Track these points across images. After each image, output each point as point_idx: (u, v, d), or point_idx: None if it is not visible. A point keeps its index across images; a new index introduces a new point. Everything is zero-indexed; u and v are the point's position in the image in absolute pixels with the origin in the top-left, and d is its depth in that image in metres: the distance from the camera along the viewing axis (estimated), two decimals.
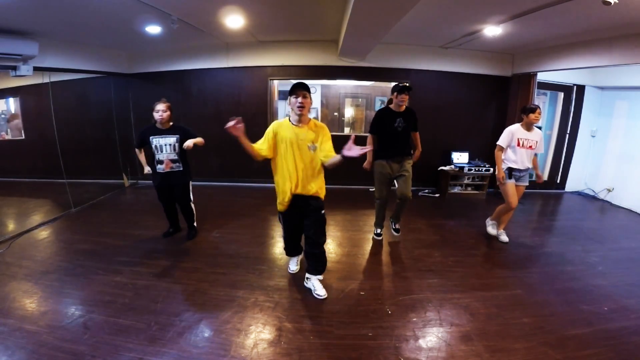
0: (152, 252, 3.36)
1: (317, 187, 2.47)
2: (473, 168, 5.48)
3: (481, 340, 2.14)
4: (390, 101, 3.40)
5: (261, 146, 2.42)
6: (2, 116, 6.48)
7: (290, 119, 2.44)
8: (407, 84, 3.24)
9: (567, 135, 5.87)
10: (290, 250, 2.86)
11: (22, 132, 6.23)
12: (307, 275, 2.69)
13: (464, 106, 5.72)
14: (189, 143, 3.11)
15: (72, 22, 3.66)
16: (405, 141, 3.37)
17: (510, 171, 3.44)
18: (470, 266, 3.15)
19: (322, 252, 2.56)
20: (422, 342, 2.13)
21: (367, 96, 8.01)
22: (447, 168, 5.60)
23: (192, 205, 3.59)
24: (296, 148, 2.38)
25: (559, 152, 5.91)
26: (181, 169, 3.32)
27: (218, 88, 5.75)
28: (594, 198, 5.69)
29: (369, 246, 3.61)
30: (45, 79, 4.82)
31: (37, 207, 4.91)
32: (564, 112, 5.81)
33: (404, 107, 3.29)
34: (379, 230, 3.68)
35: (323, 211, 2.52)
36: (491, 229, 3.75)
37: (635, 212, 4.96)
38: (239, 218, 4.31)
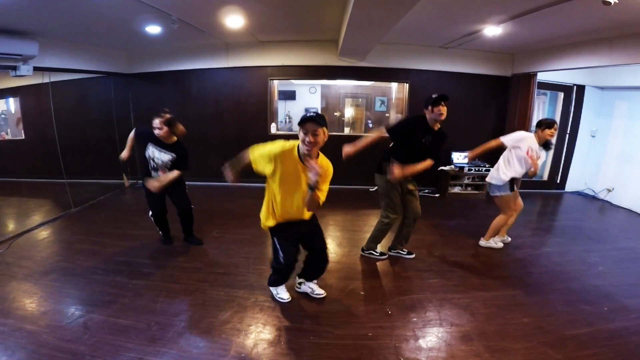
0: (152, 252, 3.36)
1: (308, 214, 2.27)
2: (473, 168, 5.48)
3: (481, 340, 2.14)
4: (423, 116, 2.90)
5: (257, 167, 2.12)
6: (2, 116, 6.48)
7: (299, 149, 2.04)
8: (441, 94, 2.75)
9: (567, 135, 5.87)
10: (287, 276, 2.51)
11: (23, 132, 6.23)
12: (301, 280, 2.64)
13: (464, 106, 5.72)
14: (155, 184, 2.99)
15: (72, 22, 3.66)
16: (420, 161, 2.86)
17: (512, 181, 3.25)
18: (470, 266, 3.15)
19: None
20: (422, 342, 2.13)
21: (367, 96, 8.02)
22: (447, 168, 5.60)
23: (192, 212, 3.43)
24: (292, 184, 2.09)
25: (559, 152, 5.91)
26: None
27: (218, 88, 5.75)
28: (594, 198, 5.69)
29: None
30: (45, 79, 4.82)
31: (37, 207, 4.91)
32: (564, 112, 5.80)
33: (439, 125, 2.84)
34: (379, 249, 3.29)
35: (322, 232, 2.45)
36: (494, 244, 3.51)
37: (635, 212, 4.96)
38: (239, 218, 4.31)
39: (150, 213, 3.44)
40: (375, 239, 3.22)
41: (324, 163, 2.12)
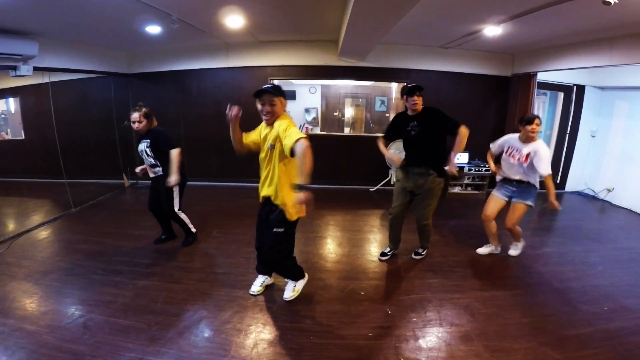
0: (152, 252, 3.36)
1: (280, 195, 2.19)
2: (473, 168, 5.48)
3: (481, 340, 2.14)
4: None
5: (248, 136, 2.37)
6: (2, 116, 6.48)
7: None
8: (415, 85, 2.82)
9: (567, 135, 5.86)
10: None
11: (23, 132, 6.23)
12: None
13: (464, 106, 5.71)
14: (174, 178, 3.03)
15: (72, 22, 3.66)
16: (423, 149, 2.90)
17: (501, 182, 3.22)
18: (470, 266, 3.15)
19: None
20: (422, 342, 2.13)
21: (367, 96, 8.01)
22: (447, 168, 5.58)
23: (181, 214, 3.35)
24: (262, 149, 2.25)
25: (559, 152, 5.91)
26: (161, 173, 3.17)
27: (218, 88, 5.75)
28: (594, 198, 5.69)
29: (369, 246, 3.61)
30: (45, 79, 4.82)
31: (37, 207, 4.91)
32: (564, 112, 5.80)
33: (419, 109, 2.87)
34: (387, 250, 3.29)
35: (279, 230, 2.24)
36: (512, 251, 3.37)
37: (635, 212, 4.96)
38: (239, 218, 4.31)
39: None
40: (389, 235, 3.32)
41: (278, 123, 2.12)
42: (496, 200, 3.22)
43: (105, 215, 4.48)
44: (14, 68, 3.79)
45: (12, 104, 6.36)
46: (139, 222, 4.14)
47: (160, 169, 3.18)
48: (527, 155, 2.93)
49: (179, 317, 2.33)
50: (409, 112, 2.93)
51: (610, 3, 2.50)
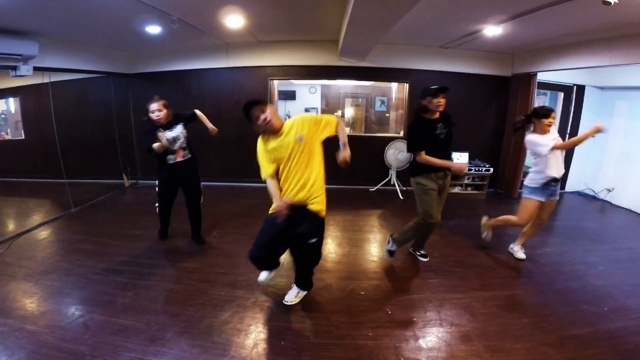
0: (152, 252, 3.36)
1: (317, 199, 2.23)
2: (473, 168, 5.48)
3: (481, 340, 2.14)
4: (418, 111, 2.85)
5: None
6: (2, 116, 6.48)
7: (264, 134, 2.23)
8: (442, 86, 2.72)
9: (567, 136, 5.86)
10: None
11: (23, 132, 6.24)
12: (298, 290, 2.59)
13: (464, 106, 5.71)
14: (213, 127, 3.31)
15: (72, 22, 3.66)
16: (447, 150, 2.90)
17: (548, 183, 2.99)
18: (470, 266, 3.15)
19: None
20: (422, 342, 2.13)
21: (367, 96, 8.02)
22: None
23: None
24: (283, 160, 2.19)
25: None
26: (190, 155, 3.28)
27: (218, 88, 5.75)
28: (594, 198, 5.69)
29: (369, 246, 3.61)
30: (45, 79, 4.82)
31: (37, 207, 4.91)
32: (564, 112, 5.80)
33: (438, 113, 2.78)
34: (394, 249, 3.16)
35: (316, 239, 2.25)
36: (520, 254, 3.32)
37: (635, 212, 4.96)
38: (239, 218, 4.31)
39: (157, 204, 3.44)
40: (422, 239, 3.25)
41: (293, 120, 2.22)
42: (537, 204, 3.03)
43: (105, 215, 4.48)
44: (14, 68, 3.79)
45: (12, 104, 6.35)
46: (139, 222, 4.14)
47: (189, 151, 3.28)
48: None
49: (179, 317, 2.33)
50: (428, 116, 2.79)
51: (610, 3, 2.50)
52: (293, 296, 2.52)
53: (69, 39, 4.45)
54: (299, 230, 2.15)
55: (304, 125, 2.17)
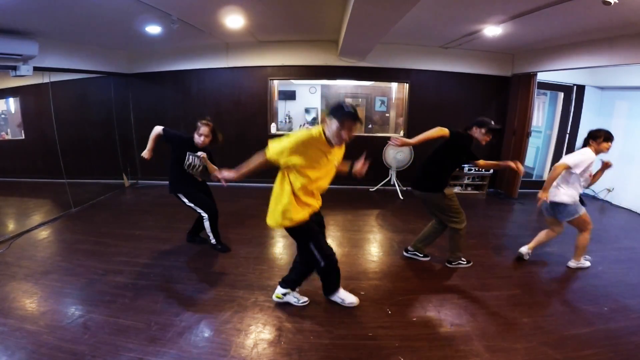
0: (152, 252, 3.36)
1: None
2: (473, 168, 5.48)
3: (481, 340, 2.14)
4: (466, 130, 2.92)
5: (283, 159, 2.05)
6: (2, 116, 6.48)
7: (326, 135, 2.03)
8: (499, 127, 2.92)
9: (567, 135, 5.86)
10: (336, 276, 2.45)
11: (23, 132, 6.23)
12: (286, 290, 2.50)
13: (464, 106, 5.72)
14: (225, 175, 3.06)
15: (72, 22, 3.66)
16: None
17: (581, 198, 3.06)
18: (470, 266, 3.15)
19: None
20: (422, 342, 2.13)
21: (367, 96, 8.01)
22: None
23: None
24: (322, 167, 2.14)
25: (559, 152, 5.90)
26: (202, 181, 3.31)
27: (218, 88, 5.75)
28: (594, 198, 5.69)
29: (369, 246, 3.62)
30: (45, 79, 4.82)
31: (37, 207, 4.91)
32: (564, 112, 5.80)
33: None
34: (460, 257, 3.19)
35: None
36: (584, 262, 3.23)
37: (635, 212, 4.96)
38: (239, 218, 4.31)
39: (205, 217, 3.22)
40: (458, 248, 3.13)
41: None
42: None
43: (105, 215, 4.48)
44: (14, 68, 3.79)
45: (12, 104, 6.35)
46: (139, 222, 4.14)
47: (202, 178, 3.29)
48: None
49: (179, 317, 2.33)
50: (475, 141, 2.87)
51: (610, 3, 2.50)
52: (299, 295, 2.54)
53: (69, 39, 4.45)
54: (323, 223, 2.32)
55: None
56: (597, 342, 2.13)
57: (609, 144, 2.87)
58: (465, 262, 3.18)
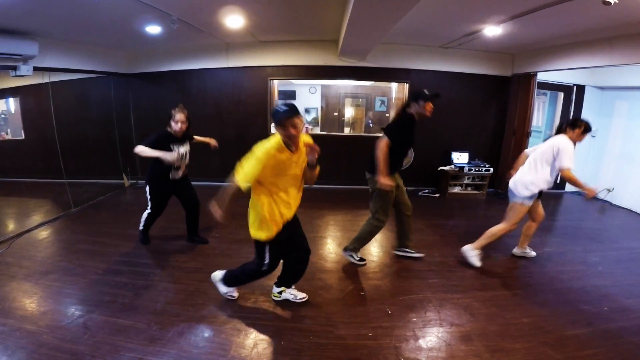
0: (152, 252, 3.36)
1: None
2: (473, 168, 5.48)
3: (481, 340, 2.14)
4: (404, 107, 2.91)
5: (251, 179, 2.02)
6: (2, 116, 6.48)
7: (285, 142, 2.01)
8: (436, 93, 2.82)
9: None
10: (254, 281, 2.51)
11: (23, 132, 6.23)
12: (281, 289, 2.53)
13: (464, 106, 5.72)
14: (215, 143, 3.41)
15: (72, 22, 3.66)
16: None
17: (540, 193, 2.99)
18: (470, 266, 3.15)
19: None
20: (422, 342, 2.13)
21: (367, 96, 8.02)
22: (447, 168, 5.60)
23: None
24: (287, 175, 2.09)
25: None
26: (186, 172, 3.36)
27: (218, 88, 5.75)
28: (594, 198, 5.68)
29: (369, 246, 3.61)
30: (45, 79, 4.82)
31: (37, 207, 4.90)
32: (564, 112, 5.80)
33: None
34: (359, 256, 3.18)
35: None
36: (476, 260, 3.16)
37: (635, 212, 4.96)
38: (239, 218, 4.30)
39: (149, 211, 3.41)
40: (362, 240, 3.11)
41: (307, 140, 2.10)
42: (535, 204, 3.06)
43: (105, 215, 4.47)
44: (14, 68, 3.79)
45: (12, 104, 6.35)
46: (139, 222, 4.13)
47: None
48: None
49: (179, 317, 2.33)
50: (417, 118, 2.86)
51: (610, 3, 2.50)
52: (297, 291, 2.57)
53: (69, 39, 4.45)
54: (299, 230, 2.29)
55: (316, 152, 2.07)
56: (597, 342, 2.13)
57: (587, 135, 2.82)
58: (356, 260, 3.14)
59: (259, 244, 2.19)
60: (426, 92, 2.79)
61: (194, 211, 3.47)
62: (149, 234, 3.57)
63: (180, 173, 3.25)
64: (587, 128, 2.82)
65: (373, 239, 3.79)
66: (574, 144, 2.81)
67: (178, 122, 3.05)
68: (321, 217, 4.39)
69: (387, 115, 7.71)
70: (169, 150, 3.05)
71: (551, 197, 5.87)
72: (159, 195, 3.33)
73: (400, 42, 5.26)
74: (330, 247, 3.56)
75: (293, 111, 1.90)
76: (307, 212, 4.47)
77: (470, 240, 3.71)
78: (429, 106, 2.79)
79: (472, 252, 3.16)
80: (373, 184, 2.90)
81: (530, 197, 2.95)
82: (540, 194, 3.05)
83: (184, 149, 3.20)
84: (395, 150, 2.83)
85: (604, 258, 3.37)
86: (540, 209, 3.18)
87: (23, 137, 6.21)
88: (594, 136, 5.81)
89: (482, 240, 3.13)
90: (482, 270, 3.08)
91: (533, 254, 3.35)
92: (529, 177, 2.94)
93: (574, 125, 2.83)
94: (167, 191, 3.34)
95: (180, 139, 3.16)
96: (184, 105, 3.23)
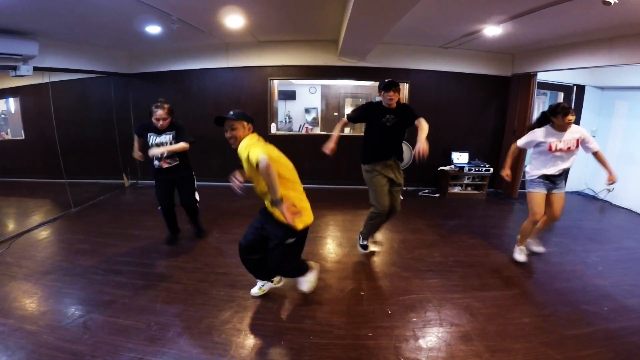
0: (152, 252, 3.36)
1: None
2: (473, 168, 5.48)
3: (481, 340, 2.14)
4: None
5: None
6: (2, 116, 6.48)
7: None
8: (391, 80, 2.89)
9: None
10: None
11: (23, 132, 6.23)
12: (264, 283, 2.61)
13: (464, 106, 5.72)
14: (155, 152, 3.07)
15: (72, 22, 3.66)
16: (397, 141, 3.04)
17: (542, 178, 3.02)
18: (470, 266, 3.15)
19: None
20: (422, 342, 2.13)
21: (367, 96, 8.02)
22: (447, 168, 5.60)
23: (198, 205, 3.56)
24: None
25: None
26: (178, 162, 3.27)
27: (218, 88, 5.76)
28: (594, 198, 5.69)
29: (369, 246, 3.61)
30: (45, 79, 4.82)
31: (37, 207, 4.91)
32: None
33: (394, 105, 2.96)
34: (366, 242, 3.35)
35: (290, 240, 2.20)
36: (518, 255, 3.24)
37: (635, 212, 4.96)
38: (239, 218, 4.31)
39: (160, 207, 3.43)
40: (366, 226, 3.24)
41: (242, 146, 2.12)
42: (543, 197, 3.05)
43: (105, 215, 4.47)
44: (14, 68, 3.79)
45: (12, 104, 6.35)
46: (139, 222, 4.14)
47: (177, 158, 3.27)
48: (578, 140, 2.91)
49: (179, 317, 2.33)
50: (385, 105, 2.97)
51: (610, 3, 2.50)
52: (257, 289, 2.59)
53: (69, 39, 4.45)
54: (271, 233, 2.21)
55: (244, 157, 2.07)
56: (597, 342, 2.13)
57: (568, 117, 2.81)
58: (360, 243, 3.33)
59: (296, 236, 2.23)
60: (384, 81, 2.91)
61: (187, 210, 3.51)
62: (178, 234, 3.64)
63: (163, 163, 3.21)
64: (564, 111, 2.83)
65: (375, 240, 3.81)
66: (563, 129, 2.89)
67: (159, 119, 3.08)
68: (321, 217, 4.38)
69: None
70: (145, 136, 3.18)
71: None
72: (155, 184, 3.34)
73: (400, 42, 5.26)
74: (330, 247, 3.56)
75: (220, 120, 2.13)
76: None
77: (471, 240, 3.72)
78: (385, 95, 2.89)
79: (516, 249, 3.28)
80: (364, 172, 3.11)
81: (531, 183, 3.07)
82: (554, 186, 3.03)
83: (160, 139, 3.16)
84: (367, 137, 3.07)
85: (604, 258, 3.37)
86: (554, 207, 3.08)
87: (23, 137, 6.21)
88: (594, 136, 5.80)
89: (521, 236, 3.26)
90: (482, 270, 3.08)
91: (536, 249, 3.37)
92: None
93: (553, 113, 2.90)
94: (160, 180, 3.29)
95: (162, 131, 3.17)
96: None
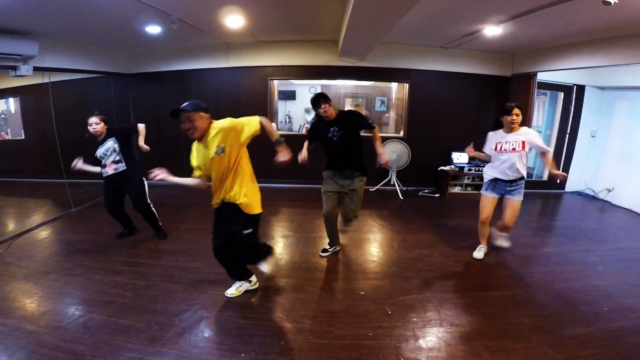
0: (152, 251, 3.36)
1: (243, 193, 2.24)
2: (473, 168, 5.48)
3: (481, 340, 2.14)
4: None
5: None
6: (2, 116, 6.48)
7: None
8: (319, 93, 2.85)
9: (567, 135, 5.86)
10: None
11: (23, 132, 6.24)
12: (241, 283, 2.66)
13: (464, 106, 5.72)
14: (146, 147, 3.35)
15: (72, 22, 3.66)
16: (348, 152, 2.94)
17: (493, 182, 3.09)
18: (470, 266, 3.15)
19: None
20: (422, 342, 2.13)
21: (367, 96, 8.01)
22: (447, 168, 5.60)
23: (153, 209, 3.58)
24: (213, 169, 2.21)
25: (559, 152, 5.91)
26: (125, 168, 3.36)
27: (218, 88, 5.75)
28: (594, 198, 5.69)
29: (368, 246, 3.61)
30: (45, 79, 4.82)
31: (37, 207, 4.91)
32: (564, 112, 5.80)
33: (331, 116, 2.88)
34: (327, 247, 3.32)
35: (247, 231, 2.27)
36: (476, 253, 3.31)
37: (635, 212, 4.95)
38: None
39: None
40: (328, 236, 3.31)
41: (217, 127, 2.19)
42: (491, 200, 3.13)
43: (105, 215, 4.45)
44: (14, 68, 3.79)
45: (12, 104, 6.36)
46: (139, 222, 4.13)
47: (124, 164, 3.36)
48: (524, 143, 2.94)
49: (179, 317, 2.33)
50: (324, 119, 2.92)
51: (610, 3, 2.50)
52: (234, 289, 2.60)
53: (69, 39, 4.45)
54: (235, 225, 2.28)
55: (224, 136, 2.15)
56: (597, 342, 2.13)
57: (509, 117, 2.98)
58: (322, 251, 3.32)
59: (257, 219, 2.34)
60: (312, 98, 2.88)
61: (142, 215, 3.56)
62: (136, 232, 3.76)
63: (109, 169, 3.35)
64: (505, 110, 3.07)
65: (373, 239, 3.81)
66: (510, 129, 3.02)
67: (92, 124, 3.27)
68: (321, 217, 4.37)
69: (387, 115, 7.71)
70: (95, 156, 3.34)
71: (551, 197, 5.87)
72: (104, 193, 3.50)
73: (400, 42, 5.26)
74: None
75: (175, 112, 2.14)
76: (306, 212, 4.47)
77: (471, 240, 3.71)
78: (317, 111, 2.86)
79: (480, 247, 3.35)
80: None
81: (484, 185, 3.19)
82: (506, 192, 3.05)
83: (102, 149, 3.32)
84: (324, 150, 3.02)
85: (604, 258, 3.36)
86: (504, 213, 3.10)
87: (23, 137, 6.21)
88: (594, 136, 5.81)
89: (478, 234, 3.34)
90: (482, 270, 3.09)
91: (499, 243, 3.39)
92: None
93: (502, 114, 3.09)
94: (107, 187, 3.44)
95: (101, 140, 3.32)
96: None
